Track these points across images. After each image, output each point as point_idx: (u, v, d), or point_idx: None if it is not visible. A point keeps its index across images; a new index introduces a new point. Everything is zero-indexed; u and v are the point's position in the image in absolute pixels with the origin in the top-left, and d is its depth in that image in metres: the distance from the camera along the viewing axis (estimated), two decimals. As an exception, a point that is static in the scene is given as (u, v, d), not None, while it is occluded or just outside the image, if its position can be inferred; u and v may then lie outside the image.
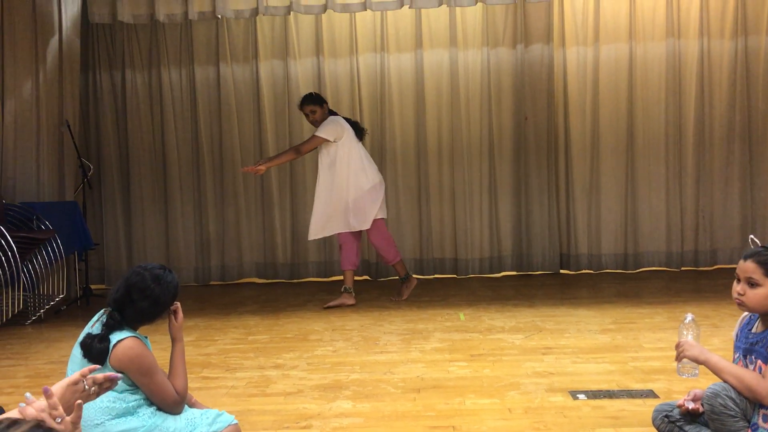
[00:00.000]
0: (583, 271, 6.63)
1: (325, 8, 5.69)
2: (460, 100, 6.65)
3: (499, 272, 6.72)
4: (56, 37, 6.12)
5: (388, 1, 5.63)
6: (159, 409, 2.50)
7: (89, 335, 2.43)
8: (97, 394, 1.83)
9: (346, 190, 5.42)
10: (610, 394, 3.22)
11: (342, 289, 5.53)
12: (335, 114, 5.59)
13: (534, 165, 6.64)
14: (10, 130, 5.69)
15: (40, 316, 5.36)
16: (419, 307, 5.36)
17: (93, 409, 2.40)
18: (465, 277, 6.66)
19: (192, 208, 6.84)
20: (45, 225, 5.40)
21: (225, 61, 6.75)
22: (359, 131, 5.56)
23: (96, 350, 2.39)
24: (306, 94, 5.67)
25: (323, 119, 5.47)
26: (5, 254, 4.80)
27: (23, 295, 5.24)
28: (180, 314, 2.65)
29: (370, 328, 4.75)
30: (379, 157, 6.69)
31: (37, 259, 5.33)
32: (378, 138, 6.69)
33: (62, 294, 5.61)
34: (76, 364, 2.44)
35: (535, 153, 6.63)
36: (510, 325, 4.66)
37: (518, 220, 6.70)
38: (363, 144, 5.61)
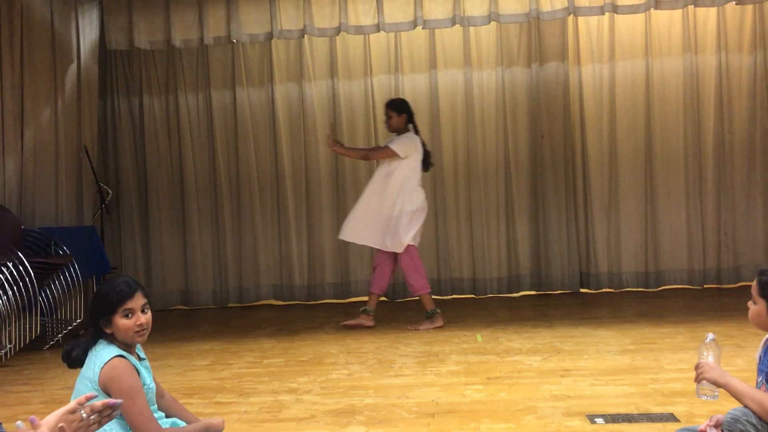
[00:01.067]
0: (604, 290, 6.54)
1: (338, 31, 5.72)
2: (475, 120, 6.63)
3: (518, 292, 6.65)
4: (74, 64, 6.21)
5: (401, 23, 5.65)
6: None
7: (71, 343, 2.46)
8: (99, 424, 1.79)
9: (391, 205, 5.32)
10: (629, 418, 3.14)
11: (362, 310, 5.47)
12: (417, 131, 5.50)
13: (551, 183, 6.58)
14: (30, 156, 5.76)
15: (58, 340, 5.38)
16: (436, 328, 5.30)
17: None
18: (483, 297, 6.59)
19: (210, 231, 6.87)
20: (63, 250, 5.44)
21: (241, 85, 6.81)
22: (427, 161, 5.49)
23: (74, 356, 2.41)
24: (393, 98, 5.68)
25: (398, 129, 5.42)
26: (23, 280, 4.83)
27: (41, 320, 5.27)
28: None
29: (386, 350, 4.70)
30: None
31: (55, 283, 5.37)
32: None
33: (80, 318, 5.62)
34: (76, 390, 2.43)
35: (552, 171, 6.58)
36: (528, 347, 4.59)
37: (536, 238, 6.64)
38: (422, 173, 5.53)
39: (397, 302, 6.61)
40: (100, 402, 1.77)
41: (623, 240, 6.54)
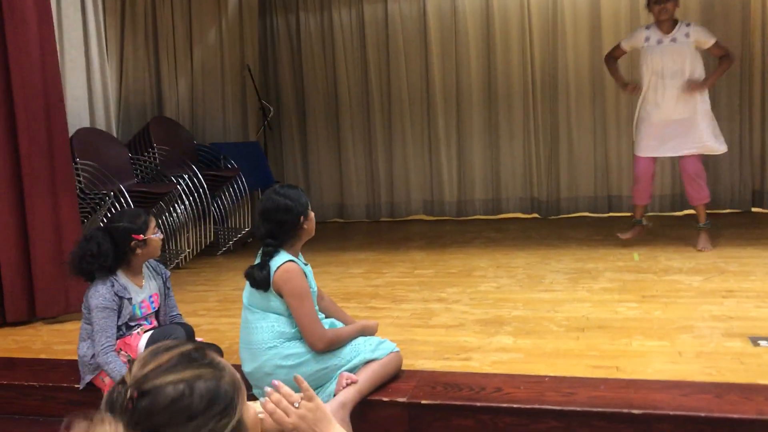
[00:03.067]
0: (779, 210, 6.03)
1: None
2: (630, 26, 6.17)
3: (682, 210, 6.29)
4: (236, -16, 6.47)
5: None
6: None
7: (250, 266, 2.63)
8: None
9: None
10: (797, 343, 2.94)
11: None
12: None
13: (724, 92, 6.05)
14: (199, 76, 6.15)
15: (229, 247, 5.86)
16: (590, 246, 5.18)
17: (266, 333, 2.60)
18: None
19: (363, 146, 7.05)
20: (231, 164, 5.83)
21: (393, -2, 6.77)
22: None
23: (258, 278, 2.58)
24: None
25: (671, 17, 4.65)
26: (197, 191, 5.26)
27: (214, 228, 5.74)
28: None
29: (536, 266, 4.68)
30: (551, 92, 6.45)
31: (225, 195, 5.80)
32: (550, 71, 6.43)
33: (248, 227, 6.07)
34: (248, 292, 2.66)
35: (726, 79, 6.01)
36: (689, 266, 4.37)
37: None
38: None
39: (550, 219, 6.50)
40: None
41: (806, 156, 5.94)
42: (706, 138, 4.70)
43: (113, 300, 2.76)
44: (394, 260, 5.12)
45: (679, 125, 4.71)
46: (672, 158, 6.18)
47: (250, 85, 6.54)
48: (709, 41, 4.68)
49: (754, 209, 6.13)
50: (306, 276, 2.64)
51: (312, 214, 2.71)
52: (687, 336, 3.12)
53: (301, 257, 2.72)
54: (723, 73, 4.86)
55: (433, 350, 3.13)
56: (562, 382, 2.65)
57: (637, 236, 5.08)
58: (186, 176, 5.23)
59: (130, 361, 2.74)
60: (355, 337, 2.70)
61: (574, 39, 6.36)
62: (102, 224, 3.61)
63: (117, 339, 2.78)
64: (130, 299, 2.83)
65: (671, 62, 4.65)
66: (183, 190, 5.18)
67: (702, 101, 4.70)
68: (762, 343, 2.96)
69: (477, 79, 6.66)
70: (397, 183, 6.98)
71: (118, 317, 2.79)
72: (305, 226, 2.67)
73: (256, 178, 6.17)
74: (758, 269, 4.18)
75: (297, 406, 1.30)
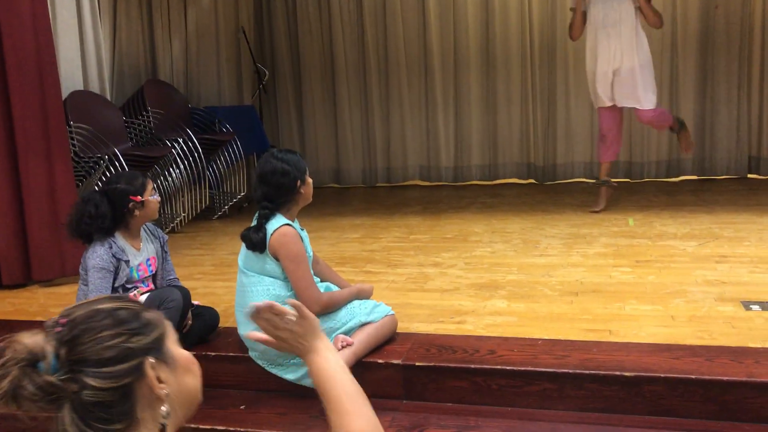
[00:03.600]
0: (775, 177, 6.04)
1: None
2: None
3: (677, 176, 6.30)
4: (230, -55, 6.35)
5: None
6: None
7: (247, 228, 2.63)
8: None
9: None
10: (789, 307, 2.97)
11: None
12: None
13: (723, 59, 6.02)
14: (193, 38, 6.08)
15: (225, 211, 5.85)
16: (585, 211, 5.19)
17: (262, 296, 2.61)
18: (639, 181, 6.32)
19: (359, 111, 7.00)
20: (226, 127, 5.80)
21: (390, -39, 6.67)
22: None
23: (255, 240, 2.58)
24: None
25: None
26: (192, 155, 5.24)
27: (210, 192, 5.73)
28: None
29: (532, 231, 4.69)
30: (549, 57, 6.40)
31: (220, 159, 5.77)
32: (548, 36, 6.37)
33: (244, 192, 6.05)
34: (244, 255, 2.67)
35: (726, 45, 6.00)
36: (683, 232, 4.39)
37: (702, 119, 6.17)
38: None
39: (546, 184, 6.50)
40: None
41: (803, 122, 5.93)
42: (639, 91, 4.87)
43: (110, 261, 2.77)
44: (390, 225, 5.13)
45: (621, 75, 4.87)
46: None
47: (245, 48, 6.47)
48: None
49: (750, 175, 6.14)
50: (302, 240, 2.65)
51: (310, 180, 2.70)
52: (680, 300, 3.14)
53: (297, 222, 2.72)
54: (650, 11, 4.89)
55: (428, 313, 3.16)
56: (556, 345, 2.67)
57: (608, 201, 5.11)
58: (181, 140, 5.20)
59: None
60: (350, 301, 2.72)
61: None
62: (99, 186, 3.60)
63: (113, 301, 2.79)
64: (127, 261, 2.83)
65: (612, 12, 4.83)
66: (178, 153, 5.16)
67: (641, 51, 4.85)
68: (754, 307, 2.99)
69: (474, 44, 6.59)
70: (394, 148, 6.96)
71: (115, 279, 2.79)
72: (302, 191, 2.67)
73: (252, 143, 6.14)
74: (752, 235, 4.21)
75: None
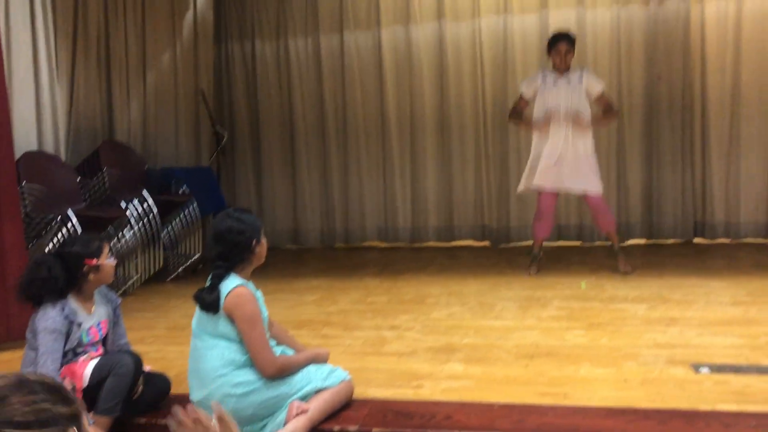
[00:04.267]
0: (719, 240, 6.25)
1: (446, -30, 5.62)
2: (587, 60, 6.37)
3: (627, 240, 6.46)
4: (191, 10, 6.47)
5: (511, -40, 5.47)
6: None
7: (200, 289, 2.61)
8: None
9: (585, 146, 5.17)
10: (736, 369, 3.04)
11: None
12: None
13: (667, 127, 6.28)
14: (152, 99, 6.10)
15: (179, 273, 5.77)
16: (539, 274, 5.28)
17: (216, 361, 2.57)
18: (590, 244, 6.46)
19: (318, 173, 7.07)
20: (183, 189, 5.78)
21: (349, 29, 6.86)
22: None
23: (208, 300, 2.56)
24: (566, 32, 5.23)
25: (568, 66, 5.11)
26: (148, 216, 5.19)
27: (164, 253, 5.65)
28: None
29: (487, 293, 4.74)
30: (502, 122, 6.59)
31: (176, 220, 5.73)
32: (501, 101, 6.58)
33: (199, 253, 5.99)
34: (198, 319, 2.63)
35: (668, 114, 6.27)
36: (634, 295, 4.49)
37: (648, 184, 6.39)
38: None
39: (500, 247, 6.60)
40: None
41: (743, 188, 6.18)
42: (588, 179, 5.10)
43: (62, 323, 2.70)
44: (348, 287, 5.13)
45: (569, 163, 5.09)
46: (619, 184, 6.39)
47: (204, 110, 6.52)
48: (597, 87, 5.12)
49: (696, 239, 6.34)
50: (257, 301, 2.64)
51: (264, 240, 2.71)
52: (632, 363, 3.19)
53: (251, 283, 2.71)
54: (607, 125, 5.47)
55: (385, 378, 3.14)
56: (512, 409, 2.68)
57: (540, 269, 5.33)
58: (136, 201, 5.16)
59: (74, 390, 2.67)
60: (306, 365, 2.69)
61: (523, 70, 6.52)
62: (52, 248, 3.53)
63: (62, 365, 2.71)
64: (79, 324, 2.77)
65: (564, 101, 5.07)
66: (133, 215, 5.11)
67: (586, 143, 5.10)
68: (703, 369, 3.05)
69: (430, 109, 6.77)
70: (352, 209, 7.01)
71: (66, 341, 2.72)
72: (257, 251, 2.67)
73: (209, 204, 6.11)
74: (700, 298, 4.32)
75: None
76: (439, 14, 6.64)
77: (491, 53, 6.59)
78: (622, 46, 6.32)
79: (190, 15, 6.46)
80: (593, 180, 5.13)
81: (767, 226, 6.17)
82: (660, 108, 6.29)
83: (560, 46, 5.10)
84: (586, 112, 5.10)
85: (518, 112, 5.32)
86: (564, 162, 5.10)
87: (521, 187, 5.37)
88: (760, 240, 6.15)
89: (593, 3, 6.34)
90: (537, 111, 5.19)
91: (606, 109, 5.20)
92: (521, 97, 5.31)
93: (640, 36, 6.28)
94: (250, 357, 2.58)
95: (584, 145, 5.11)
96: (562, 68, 5.12)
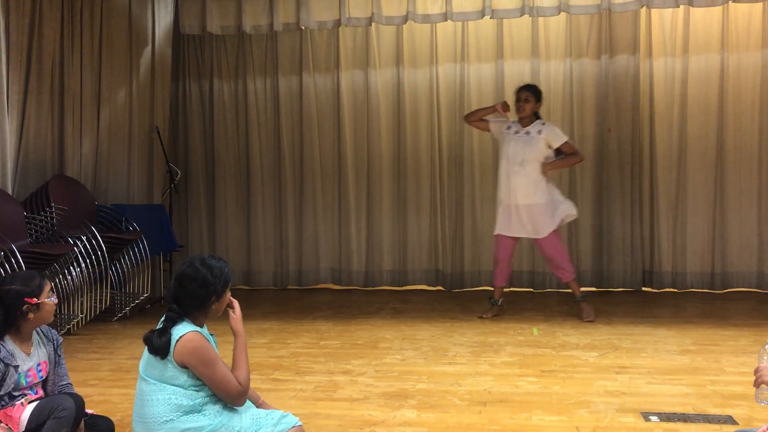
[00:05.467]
0: (667, 290, 6.39)
1: (406, 19, 5.73)
2: (540, 112, 6.54)
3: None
4: (149, 47, 6.43)
5: (469, 12, 5.61)
6: (225, 406, 2.57)
7: (150, 331, 2.53)
8: None
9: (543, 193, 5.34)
10: (685, 418, 3.08)
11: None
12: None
13: (616, 178, 6.46)
14: (105, 136, 6.00)
15: (126, 313, 5.61)
16: (492, 320, 5.30)
17: (162, 406, 2.49)
18: (541, 291, 6.53)
19: (272, 214, 7.02)
20: (133, 226, 5.66)
21: (308, 71, 6.91)
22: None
23: (157, 344, 2.48)
24: (533, 84, 5.55)
25: (528, 115, 5.29)
26: (95, 253, 5.05)
27: (111, 292, 5.50)
28: (237, 307, 2.68)
29: (441, 338, 4.73)
30: (457, 168, 6.68)
31: (124, 258, 5.59)
32: (456, 148, 6.68)
33: (147, 293, 5.85)
34: (146, 362, 2.54)
35: (618, 166, 6.45)
36: (584, 342, 4.54)
37: (599, 234, 6.53)
38: None
39: (453, 292, 6.61)
40: None
41: (689, 239, 6.37)
42: (542, 225, 5.26)
43: (-3, 366, 2.58)
44: (300, 330, 5.06)
45: (525, 210, 5.28)
46: (570, 233, 6.51)
47: (158, 148, 6.44)
48: (559, 141, 5.31)
49: (644, 288, 6.47)
50: (210, 343, 2.57)
51: (227, 295, 2.62)
52: (584, 411, 3.21)
53: (204, 328, 2.64)
54: (567, 165, 5.75)
55: (337, 424, 3.09)
56: (465, 457, 2.65)
57: (496, 315, 5.42)
58: (84, 237, 5.02)
59: (11, 435, 2.54)
60: (244, 356, 2.63)
61: (480, 120, 6.64)
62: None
63: (-3, 410, 2.59)
64: (16, 367, 2.65)
65: (522, 152, 5.27)
66: (80, 251, 4.97)
67: (545, 191, 5.30)
68: (653, 418, 3.09)
69: (387, 153, 6.82)
70: (306, 251, 6.96)
71: (1, 386, 2.60)
72: (212, 308, 2.60)
73: (159, 242, 6.00)
74: (649, 346, 4.39)
75: None
76: (398, 60, 6.75)
77: (447, 100, 6.70)
78: (575, 98, 6.51)
79: (148, 51, 6.42)
80: (542, 227, 5.26)
81: (712, 277, 6.34)
82: (610, 159, 6.47)
83: (520, 93, 5.35)
84: (538, 162, 5.26)
85: (477, 114, 5.51)
86: (519, 211, 5.27)
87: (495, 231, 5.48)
88: (705, 290, 6.31)
89: (547, 55, 6.53)
90: (500, 158, 5.41)
91: (570, 153, 5.38)
92: (487, 120, 5.48)
93: (592, 89, 6.49)
94: (198, 403, 2.51)
95: (539, 194, 5.25)
96: (520, 115, 5.32)
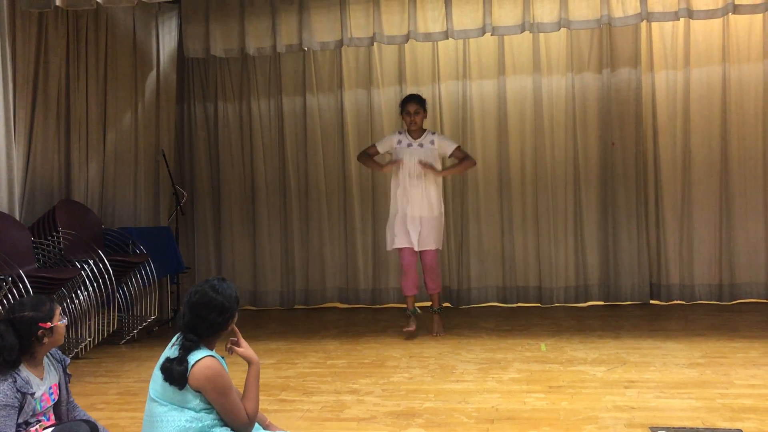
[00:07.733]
0: (675, 302, 6.36)
1: (407, 38, 5.76)
2: (543, 127, 6.58)
3: (585, 302, 6.54)
4: (154, 71, 6.49)
5: (470, 29, 5.64)
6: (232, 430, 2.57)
7: (168, 359, 2.52)
8: None
9: (438, 206, 5.45)
10: (694, 432, 3.06)
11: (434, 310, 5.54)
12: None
13: (622, 192, 6.46)
14: (111, 159, 6.05)
15: (133, 336, 5.62)
16: (500, 336, 5.29)
17: (172, 428, 2.49)
18: (549, 306, 6.51)
19: (278, 234, 7.04)
20: (140, 249, 5.68)
21: (311, 92, 6.96)
22: None
23: (176, 373, 2.48)
24: (416, 94, 5.61)
25: (420, 126, 5.41)
26: (102, 277, 5.07)
27: (118, 315, 5.52)
28: (240, 339, 2.70)
29: (448, 356, 4.72)
30: (461, 184, 6.70)
31: (131, 281, 5.61)
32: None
33: (155, 315, 5.86)
34: (158, 384, 2.54)
35: (623, 179, 6.46)
36: (593, 357, 4.52)
37: (605, 248, 6.52)
38: None
39: (461, 308, 6.60)
40: None
41: (696, 251, 6.35)
42: (435, 238, 5.37)
43: (15, 397, 2.55)
44: (307, 350, 5.05)
45: (420, 222, 5.35)
46: (577, 247, 6.51)
47: (164, 170, 6.48)
48: (451, 148, 5.45)
49: (652, 301, 6.44)
50: (224, 370, 2.59)
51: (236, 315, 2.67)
52: (592, 427, 3.19)
53: (214, 352, 2.65)
54: (461, 171, 5.82)
55: (344, 445, 3.08)
56: (472, 476, 2.64)
57: (417, 325, 5.41)
58: (91, 261, 5.05)
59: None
60: (255, 387, 2.65)
61: (482, 134, 6.67)
62: (1, 314, 3.40)
63: (13, 439, 2.58)
64: (33, 394, 2.64)
65: (416, 164, 5.32)
66: (87, 275, 4.99)
67: (438, 204, 5.40)
68: (661, 433, 3.06)
69: (391, 171, 6.82)
70: (312, 270, 6.97)
71: (19, 414, 2.59)
72: (229, 328, 2.63)
73: (166, 264, 6.02)
74: (657, 360, 4.37)
75: None
76: (400, 79, 6.79)
77: (450, 117, 6.74)
78: (578, 112, 6.54)
79: (153, 75, 6.48)
80: (433, 238, 5.35)
81: (720, 289, 6.31)
82: (615, 173, 6.47)
83: (409, 107, 5.38)
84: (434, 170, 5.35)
85: (368, 156, 5.60)
86: (414, 222, 5.33)
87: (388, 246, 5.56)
88: (713, 302, 6.28)
89: (549, 71, 6.56)
90: (394, 172, 5.46)
91: (462, 158, 5.47)
92: (373, 145, 5.61)
93: (595, 103, 6.51)
94: (207, 425, 2.51)
95: (436, 207, 5.36)
96: (412, 128, 5.39)
